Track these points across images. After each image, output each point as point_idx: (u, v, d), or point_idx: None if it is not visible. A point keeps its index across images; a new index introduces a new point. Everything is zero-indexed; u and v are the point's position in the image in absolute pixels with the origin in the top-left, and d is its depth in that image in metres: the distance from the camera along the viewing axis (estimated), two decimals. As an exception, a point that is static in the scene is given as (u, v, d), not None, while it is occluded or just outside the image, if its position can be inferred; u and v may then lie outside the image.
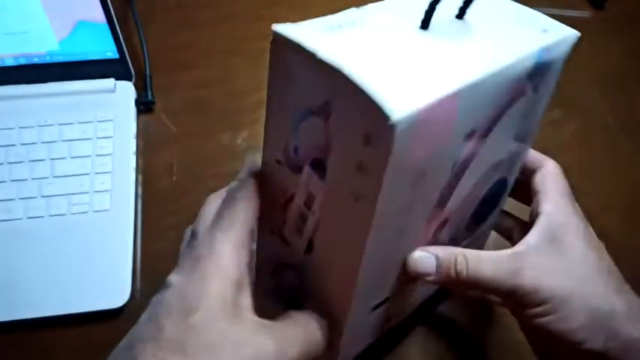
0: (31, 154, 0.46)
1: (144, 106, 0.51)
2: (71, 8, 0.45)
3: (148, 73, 0.52)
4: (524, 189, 0.31)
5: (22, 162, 0.46)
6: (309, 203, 0.24)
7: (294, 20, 0.63)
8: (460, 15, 0.24)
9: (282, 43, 0.20)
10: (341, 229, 0.23)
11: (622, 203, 0.49)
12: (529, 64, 0.23)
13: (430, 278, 0.27)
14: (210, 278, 0.22)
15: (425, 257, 0.27)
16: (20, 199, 0.44)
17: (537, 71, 0.24)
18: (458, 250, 0.28)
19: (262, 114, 0.56)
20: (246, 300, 0.23)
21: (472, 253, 0.27)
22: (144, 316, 0.23)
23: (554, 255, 0.27)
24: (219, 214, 0.24)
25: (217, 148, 0.49)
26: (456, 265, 0.27)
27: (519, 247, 0.28)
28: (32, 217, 0.44)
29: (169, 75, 0.53)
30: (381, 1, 0.24)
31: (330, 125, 0.20)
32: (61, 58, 0.48)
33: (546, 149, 0.48)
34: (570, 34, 0.27)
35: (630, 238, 0.47)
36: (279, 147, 0.24)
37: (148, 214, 0.46)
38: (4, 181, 0.45)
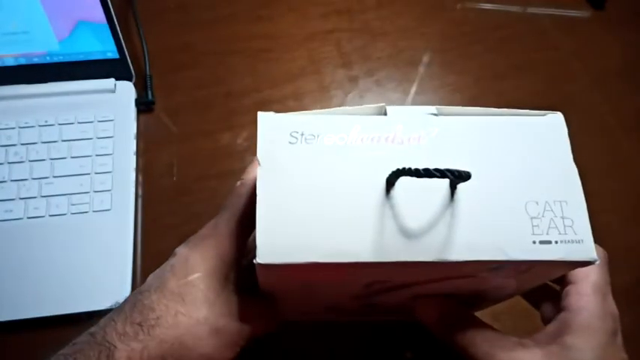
0: (32, 153, 0.46)
1: (144, 106, 0.51)
2: (71, 8, 0.45)
3: (148, 73, 0.52)
4: None
5: (22, 162, 0.46)
6: None
7: (293, 20, 0.63)
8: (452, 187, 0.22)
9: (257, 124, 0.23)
10: None
11: (622, 203, 0.49)
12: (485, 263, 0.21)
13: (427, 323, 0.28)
14: (210, 252, 0.27)
15: (426, 306, 0.28)
16: (20, 198, 0.44)
17: (499, 267, 0.22)
18: (463, 315, 0.27)
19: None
20: (233, 275, 0.28)
21: (474, 324, 0.27)
22: (152, 275, 0.28)
23: (554, 358, 0.25)
24: (227, 202, 0.28)
25: (217, 148, 0.49)
26: (452, 325, 0.27)
27: (527, 340, 0.26)
28: (32, 217, 0.44)
29: (169, 75, 0.53)
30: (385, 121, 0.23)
31: None
32: (61, 58, 0.48)
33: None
34: (584, 259, 0.22)
35: (631, 237, 0.47)
36: None
37: (148, 214, 0.46)
38: (5, 181, 0.45)
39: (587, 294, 0.26)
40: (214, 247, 0.27)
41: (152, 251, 0.44)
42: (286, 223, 0.21)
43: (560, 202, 0.22)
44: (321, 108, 0.53)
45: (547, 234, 0.21)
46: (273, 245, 0.21)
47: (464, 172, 0.19)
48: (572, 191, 0.22)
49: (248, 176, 0.28)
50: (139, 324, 0.25)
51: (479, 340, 0.26)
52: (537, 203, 0.22)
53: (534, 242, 0.21)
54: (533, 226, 0.21)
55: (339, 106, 0.52)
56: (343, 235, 0.21)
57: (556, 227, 0.22)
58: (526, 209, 0.22)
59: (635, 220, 0.48)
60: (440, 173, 0.19)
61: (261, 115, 0.23)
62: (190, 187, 0.47)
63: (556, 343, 0.25)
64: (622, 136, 0.53)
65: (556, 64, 0.56)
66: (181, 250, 0.28)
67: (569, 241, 0.21)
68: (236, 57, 0.54)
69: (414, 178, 0.20)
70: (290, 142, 0.22)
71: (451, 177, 0.19)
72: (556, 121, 0.24)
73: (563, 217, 0.22)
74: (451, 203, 0.21)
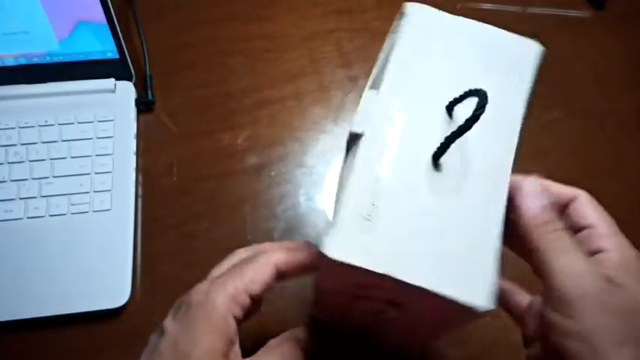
0: (32, 153, 0.46)
1: (144, 106, 0.51)
2: (71, 8, 0.45)
3: (148, 73, 0.52)
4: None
5: (22, 162, 0.46)
6: None
7: (293, 20, 0.63)
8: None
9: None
10: None
11: (622, 203, 0.49)
12: None
13: None
14: (202, 329, 0.23)
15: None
16: (20, 198, 0.44)
17: None
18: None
19: (262, 114, 0.56)
20: (236, 350, 0.25)
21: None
22: (142, 358, 0.24)
23: (612, 298, 0.22)
24: (227, 268, 0.26)
25: (217, 148, 0.49)
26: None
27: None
28: (32, 217, 0.44)
29: (169, 75, 0.53)
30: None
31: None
32: (61, 58, 0.48)
33: (546, 149, 0.48)
34: None
35: (631, 237, 0.47)
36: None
37: (148, 214, 0.46)
38: (5, 181, 0.45)
39: (617, 234, 0.25)
40: (205, 321, 0.24)
41: (152, 251, 0.44)
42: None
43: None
44: (321, 108, 0.53)
45: None
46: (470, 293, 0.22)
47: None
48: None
49: (270, 258, 0.26)
50: None
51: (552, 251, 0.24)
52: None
53: None
54: None
55: (339, 105, 0.52)
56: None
57: None
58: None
59: (635, 220, 0.48)
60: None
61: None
62: (190, 187, 0.47)
63: (604, 283, 0.23)
64: (622, 136, 0.53)
65: (556, 64, 0.56)
66: (170, 327, 0.24)
67: None
68: (236, 57, 0.54)
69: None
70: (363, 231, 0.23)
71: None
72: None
73: None
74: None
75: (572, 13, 0.59)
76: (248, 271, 0.25)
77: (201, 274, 0.28)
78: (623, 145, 0.52)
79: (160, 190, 0.47)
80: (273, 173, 0.48)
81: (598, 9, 0.60)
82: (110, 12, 0.45)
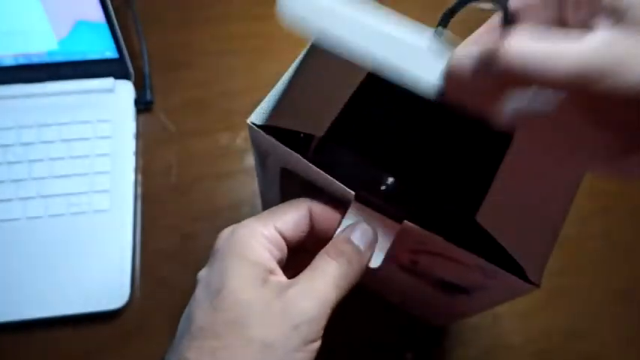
0: (30, 154, 0.46)
1: (143, 105, 0.51)
2: (70, 8, 0.45)
3: (147, 73, 0.52)
4: None
5: (20, 162, 0.45)
6: None
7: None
8: None
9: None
10: None
11: (622, 203, 0.49)
12: None
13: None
14: (230, 263, 0.22)
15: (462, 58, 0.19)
16: (19, 199, 0.44)
17: None
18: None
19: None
20: (277, 277, 0.23)
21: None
22: (183, 316, 0.24)
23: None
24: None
25: (216, 148, 0.49)
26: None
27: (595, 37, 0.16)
28: (31, 218, 0.44)
29: (168, 74, 0.53)
30: None
31: None
32: (60, 58, 0.48)
33: (546, 149, 0.46)
34: None
35: (631, 238, 0.47)
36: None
37: (147, 214, 0.46)
38: (3, 181, 0.45)
39: None
40: (236, 255, 0.23)
41: (151, 251, 0.44)
42: None
43: None
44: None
45: None
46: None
47: None
48: None
49: (305, 202, 0.25)
50: None
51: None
52: None
53: None
54: None
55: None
56: None
57: None
58: None
59: (635, 219, 0.48)
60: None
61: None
62: (189, 187, 0.47)
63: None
64: (621, 136, 0.53)
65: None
66: (201, 275, 0.24)
67: None
68: (235, 56, 0.54)
69: None
70: None
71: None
72: None
73: None
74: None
75: (572, 12, 0.59)
76: (278, 210, 0.24)
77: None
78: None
79: (158, 190, 0.47)
80: (272, 173, 0.48)
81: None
82: (109, 11, 0.45)
